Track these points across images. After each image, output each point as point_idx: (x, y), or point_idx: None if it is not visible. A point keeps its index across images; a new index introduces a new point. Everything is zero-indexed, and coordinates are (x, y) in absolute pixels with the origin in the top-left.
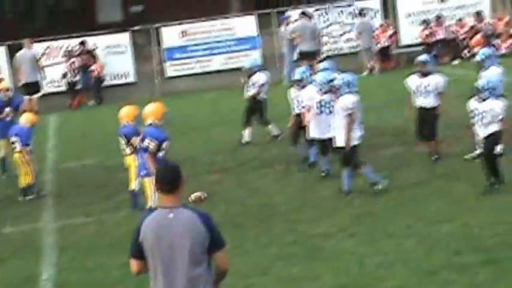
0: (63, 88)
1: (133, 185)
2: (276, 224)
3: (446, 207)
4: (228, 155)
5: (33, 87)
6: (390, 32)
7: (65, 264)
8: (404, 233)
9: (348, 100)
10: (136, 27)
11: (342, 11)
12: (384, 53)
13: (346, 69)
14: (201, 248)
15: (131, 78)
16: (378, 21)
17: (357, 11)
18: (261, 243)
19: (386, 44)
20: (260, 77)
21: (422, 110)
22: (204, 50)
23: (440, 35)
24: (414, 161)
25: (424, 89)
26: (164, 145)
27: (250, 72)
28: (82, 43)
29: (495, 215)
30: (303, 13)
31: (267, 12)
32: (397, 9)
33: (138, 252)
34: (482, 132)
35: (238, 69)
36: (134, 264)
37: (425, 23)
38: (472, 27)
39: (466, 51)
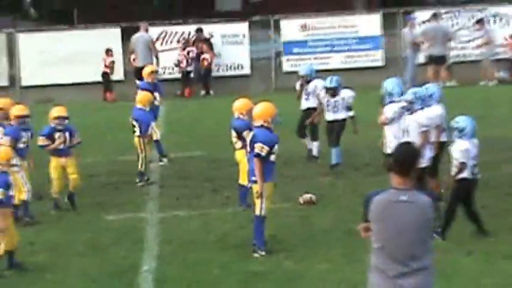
0: (175, 75)
1: (242, 181)
2: None
3: None
4: (343, 158)
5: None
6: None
7: (166, 258)
8: None
9: (423, 116)
10: (255, 18)
11: (472, 16)
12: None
13: (471, 77)
14: (428, 230)
15: (245, 71)
16: (509, 31)
17: (488, 17)
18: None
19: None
20: (316, 85)
21: None
22: (324, 46)
23: None
24: None
25: None
26: (275, 148)
27: (306, 79)
28: (199, 30)
29: None
30: (435, 15)
31: (393, 12)
32: None
33: (367, 219)
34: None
35: (358, 69)
36: (363, 225)
37: None
38: None
39: None
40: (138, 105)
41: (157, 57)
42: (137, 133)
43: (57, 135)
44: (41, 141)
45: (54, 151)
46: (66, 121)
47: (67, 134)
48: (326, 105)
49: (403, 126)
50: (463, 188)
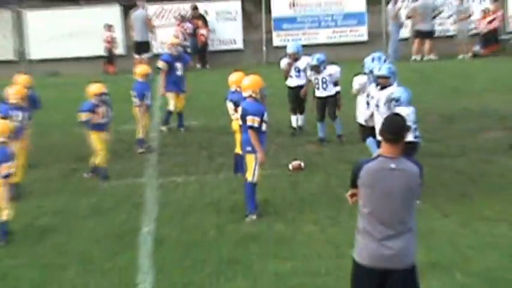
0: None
1: (238, 150)
2: None
3: None
4: (330, 127)
5: (144, 47)
6: (490, 18)
7: (165, 220)
8: (498, 218)
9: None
10: None
11: None
12: (486, 39)
13: (450, 51)
14: (414, 196)
15: (239, 45)
16: (486, 5)
17: None
18: (354, 215)
19: (485, 30)
20: (308, 62)
21: None
22: (312, 22)
23: None
24: None
25: None
26: (265, 117)
27: (295, 56)
28: (194, 8)
29: None
30: None
31: None
32: None
33: (355, 185)
34: None
35: (343, 43)
36: (351, 191)
37: None
38: None
39: None
40: (137, 77)
41: (152, 32)
42: (135, 103)
43: (100, 109)
44: (85, 116)
45: (95, 125)
46: (106, 97)
47: (107, 108)
48: (314, 82)
49: (375, 101)
50: (408, 150)
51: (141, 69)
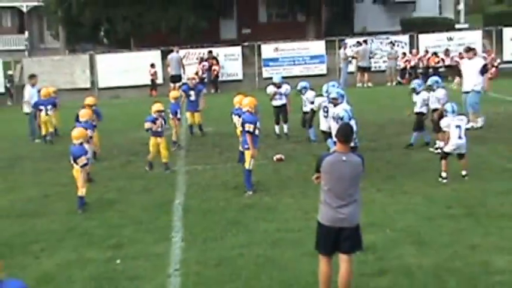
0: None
1: (241, 148)
2: None
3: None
4: (300, 132)
5: (177, 78)
6: (406, 58)
7: (190, 195)
8: (414, 192)
9: (340, 108)
10: (245, 44)
11: (382, 41)
12: (405, 72)
13: (381, 81)
14: (359, 177)
15: (239, 77)
16: (405, 50)
17: (392, 42)
18: (318, 191)
19: (403, 66)
20: (287, 88)
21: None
22: (289, 61)
23: (447, 62)
24: (425, 144)
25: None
26: (258, 125)
27: (279, 84)
28: (210, 52)
29: (476, 184)
30: (365, 41)
31: (333, 39)
32: (419, 42)
33: (319, 171)
34: None
35: (310, 75)
36: (316, 175)
37: (434, 54)
38: None
39: None
40: (171, 100)
41: (184, 69)
42: (170, 117)
43: (158, 122)
44: (148, 125)
45: (154, 132)
46: (163, 113)
47: (162, 121)
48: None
49: (331, 114)
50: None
51: (173, 94)
